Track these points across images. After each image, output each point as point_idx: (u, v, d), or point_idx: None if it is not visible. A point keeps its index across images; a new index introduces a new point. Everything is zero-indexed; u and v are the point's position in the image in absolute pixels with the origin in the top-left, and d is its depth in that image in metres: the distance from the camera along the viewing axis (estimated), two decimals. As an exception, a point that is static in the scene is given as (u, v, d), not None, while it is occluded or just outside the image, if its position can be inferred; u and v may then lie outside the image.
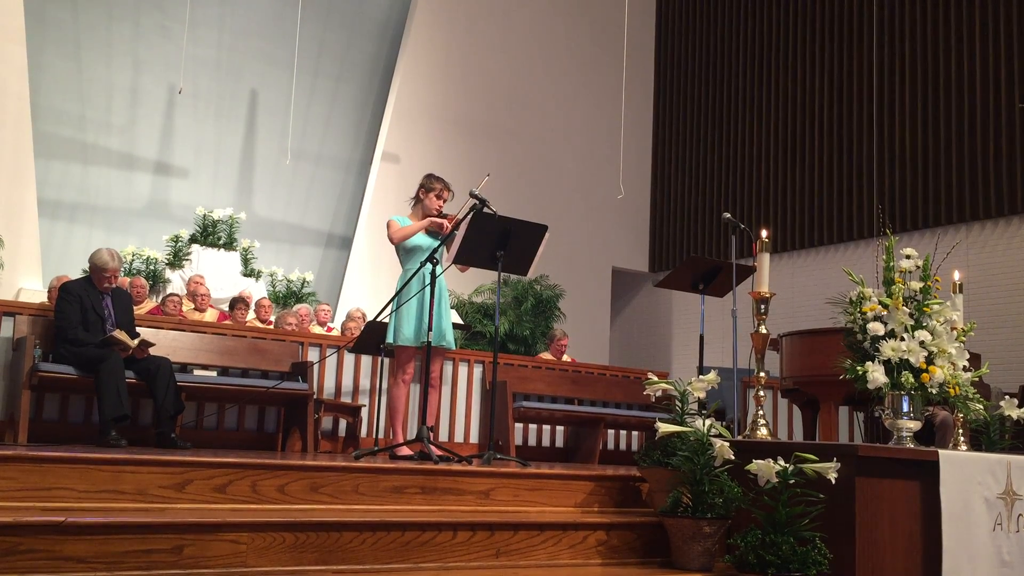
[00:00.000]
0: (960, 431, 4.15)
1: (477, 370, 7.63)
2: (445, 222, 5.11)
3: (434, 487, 3.60)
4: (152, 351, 5.52)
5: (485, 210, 4.78)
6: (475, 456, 4.81)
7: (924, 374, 3.66)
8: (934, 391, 3.69)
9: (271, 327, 8.40)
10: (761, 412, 3.95)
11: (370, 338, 6.34)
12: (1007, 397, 4.36)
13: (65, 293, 5.50)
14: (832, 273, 11.13)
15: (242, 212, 10.97)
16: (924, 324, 3.75)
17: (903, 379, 3.66)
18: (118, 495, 3.06)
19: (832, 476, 3.20)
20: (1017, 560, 3.63)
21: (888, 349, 3.67)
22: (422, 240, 5.16)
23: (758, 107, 12.88)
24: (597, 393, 8.09)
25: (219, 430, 6.49)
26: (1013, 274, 9.97)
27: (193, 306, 8.89)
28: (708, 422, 3.55)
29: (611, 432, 8.29)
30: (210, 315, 8.90)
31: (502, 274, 4.96)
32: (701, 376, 3.82)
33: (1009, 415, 4.24)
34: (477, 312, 10.74)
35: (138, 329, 5.78)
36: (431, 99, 12.39)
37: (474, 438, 7.51)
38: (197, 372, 6.27)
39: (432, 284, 4.88)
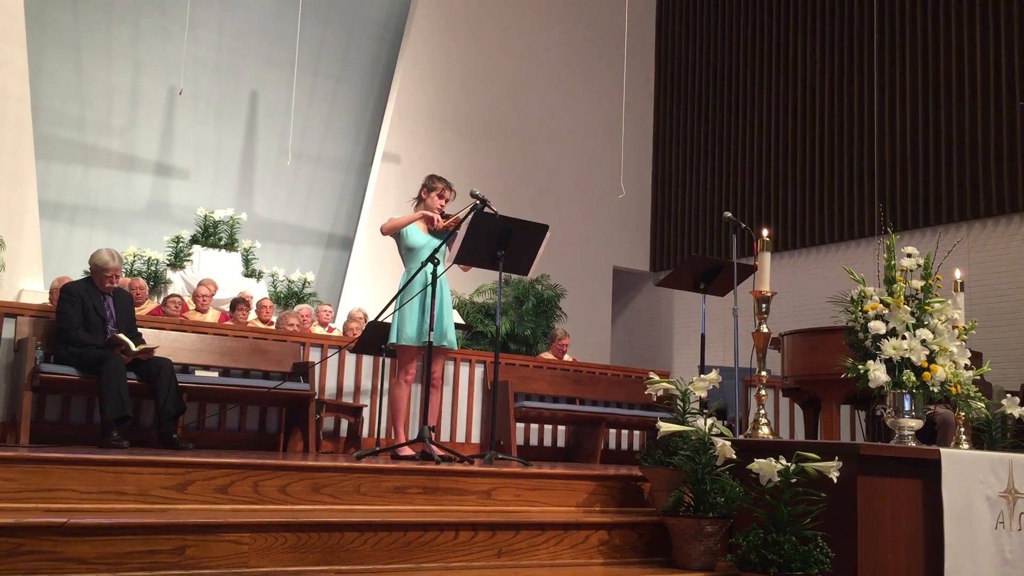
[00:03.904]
0: (962, 429, 4.15)
1: (478, 370, 7.63)
2: (436, 215, 5.11)
3: (436, 487, 3.60)
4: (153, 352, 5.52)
5: (486, 210, 4.78)
6: (477, 456, 4.81)
7: (925, 372, 3.66)
8: (935, 390, 3.69)
9: (272, 328, 8.41)
10: (763, 411, 3.95)
11: (372, 338, 6.34)
12: (1008, 395, 4.36)
13: (66, 294, 5.49)
14: (833, 272, 11.12)
15: (243, 213, 10.97)
16: (925, 323, 3.74)
17: (904, 378, 3.65)
18: (120, 496, 3.07)
19: (834, 475, 3.20)
20: (1019, 558, 3.63)
21: (889, 348, 3.67)
22: (424, 239, 5.16)
23: (759, 106, 12.87)
24: (598, 393, 8.08)
25: (221, 431, 6.50)
26: (1014, 272, 9.96)
27: (194, 307, 8.89)
28: (710, 421, 3.55)
29: (612, 432, 8.29)
30: (211, 316, 8.90)
31: (503, 274, 4.96)
32: (702, 375, 3.82)
33: (1011, 413, 4.24)
34: (478, 312, 10.74)
35: (140, 331, 5.78)
36: (431, 99, 12.38)
37: (476, 438, 7.52)
38: (198, 373, 6.28)
39: (433, 284, 4.88)
